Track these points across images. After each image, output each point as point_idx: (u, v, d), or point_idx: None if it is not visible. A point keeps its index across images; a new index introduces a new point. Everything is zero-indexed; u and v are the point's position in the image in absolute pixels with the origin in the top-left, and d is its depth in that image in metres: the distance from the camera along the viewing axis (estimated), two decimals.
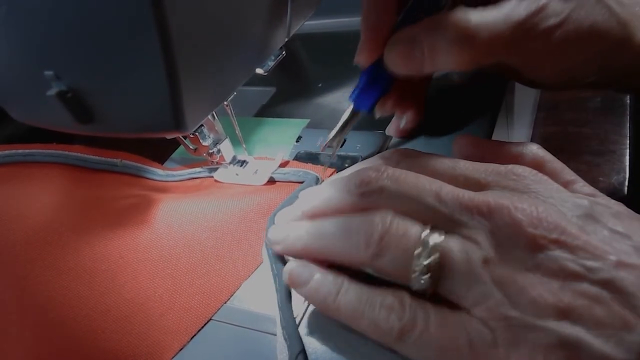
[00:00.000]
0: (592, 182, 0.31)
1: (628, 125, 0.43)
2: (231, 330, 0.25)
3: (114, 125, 0.25)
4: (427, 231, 0.20)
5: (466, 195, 0.20)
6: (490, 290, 0.18)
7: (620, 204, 0.21)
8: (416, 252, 0.20)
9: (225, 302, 0.26)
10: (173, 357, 0.24)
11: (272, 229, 0.26)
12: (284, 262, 0.25)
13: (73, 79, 0.23)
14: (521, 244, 0.18)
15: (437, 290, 0.20)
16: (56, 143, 0.35)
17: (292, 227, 0.25)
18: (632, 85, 0.29)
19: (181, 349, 0.24)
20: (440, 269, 0.19)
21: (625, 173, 0.36)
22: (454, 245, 0.20)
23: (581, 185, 0.22)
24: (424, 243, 0.20)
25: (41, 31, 0.22)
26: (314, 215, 0.25)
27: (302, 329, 0.23)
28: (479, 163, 0.23)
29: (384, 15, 0.26)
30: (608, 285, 0.17)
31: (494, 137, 0.33)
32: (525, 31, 0.24)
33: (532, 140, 0.46)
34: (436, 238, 0.20)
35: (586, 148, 0.42)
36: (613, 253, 0.18)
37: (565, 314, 0.17)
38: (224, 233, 0.29)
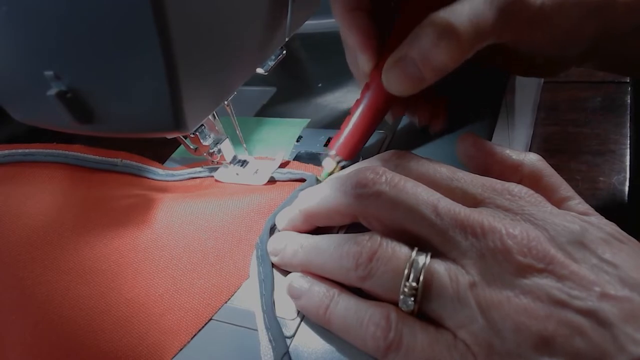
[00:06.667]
0: (592, 182, 0.32)
1: (628, 125, 0.43)
2: (231, 330, 0.25)
3: (114, 125, 0.25)
4: (414, 253, 0.20)
5: (462, 212, 0.20)
6: (474, 314, 0.19)
7: (612, 224, 0.21)
8: (404, 274, 0.20)
9: (226, 302, 0.26)
10: (173, 357, 0.24)
11: (271, 240, 0.27)
12: (271, 266, 0.26)
13: (73, 79, 0.23)
14: (509, 271, 0.19)
15: (423, 309, 0.20)
16: (56, 143, 0.35)
17: (289, 239, 0.26)
18: (628, 57, 0.29)
19: (181, 349, 0.24)
20: (426, 291, 0.20)
21: (625, 173, 0.36)
22: (441, 267, 0.20)
23: (576, 202, 0.22)
24: (412, 265, 0.20)
25: (41, 31, 0.22)
26: (311, 216, 0.25)
27: (302, 329, 0.23)
28: (477, 176, 0.23)
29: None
30: (591, 315, 0.17)
31: (494, 137, 0.33)
32: (508, 3, 0.24)
33: (532, 140, 0.46)
34: (424, 260, 0.20)
35: (586, 148, 0.42)
36: (598, 284, 0.18)
37: (546, 343, 0.17)
38: (224, 233, 0.29)
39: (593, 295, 0.18)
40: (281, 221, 0.27)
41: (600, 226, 0.20)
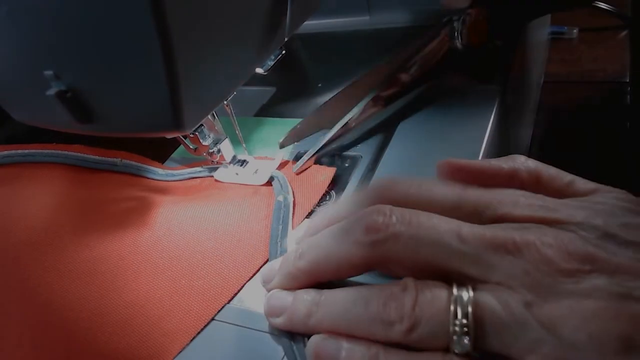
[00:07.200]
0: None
1: (628, 125, 0.43)
2: (231, 330, 0.25)
3: (114, 125, 0.25)
4: (455, 289, 0.19)
5: (488, 232, 0.19)
6: (541, 335, 0.17)
7: (622, 196, 0.20)
8: (451, 313, 0.18)
9: (227, 303, 0.26)
10: (174, 358, 0.24)
11: (268, 298, 0.23)
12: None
13: (73, 78, 0.23)
14: (560, 279, 0.18)
15: (481, 346, 0.18)
16: (56, 143, 0.35)
17: (294, 295, 0.23)
18: None
19: (182, 350, 0.24)
20: (479, 325, 0.18)
21: (625, 173, 0.37)
22: (488, 295, 0.18)
23: (582, 183, 0.22)
24: (457, 302, 0.18)
25: (41, 31, 0.22)
26: (314, 273, 0.23)
27: None
28: (483, 192, 0.21)
29: None
30: None
31: (494, 138, 0.33)
32: None
33: (532, 140, 0.46)
34: (467, 293, 0.18)
35: (586, 148, 0.42)
36: None
37: (628, 343, 0.16)
38: (225, 234, 0.29)
39: None
40: (272, 279, 0.24)
41: (614, 208, 0.20)
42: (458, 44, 0.35)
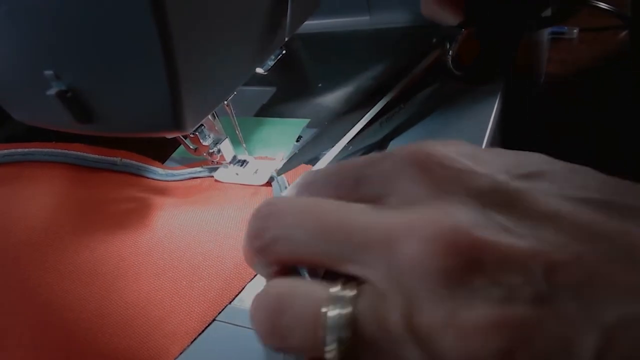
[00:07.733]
0: None
1: (627, 124, 0.43)
2: (232, 330, 0.25)
3: (114, 125, 0.25)
4: (325, 308, 0.16)
5: (355, 225, 0.17)
6: (417, 352, 0.15)
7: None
8: (323, 325, 0.16)
9: (228, 303, 0.26)
10: (175, 359, 0.24)
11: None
12: None
13: (73, 78, 0.23)
14: (436, 284, 0.15)
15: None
16: (55, 142, 0.35)
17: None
18: None
19: (183, 351, 0.24)
20: (354, 342, 0.16)
21: (625, 173, 0.37)
22: (363, 305, 0.16)
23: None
24: (327, 315, 0.16)
25: (41, 31, 0.22)
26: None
27: None
28: (382, 168, 0.19)
29: None
30: (544, 300, 0.14)
31: (494, 138, 0.33)
32: None
33: (532, 140, 0.46)
34: (340, 305, 0.16)
35: (586, 147, 0.42)
36: (540, 254, 0.14)
37: (510, 357, 0.14)
38: (225, 235, 0.29)
39: (538, 273, 0.14)
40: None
41: (508, 163, 0.17)
42: (449, 62, 0.35)
